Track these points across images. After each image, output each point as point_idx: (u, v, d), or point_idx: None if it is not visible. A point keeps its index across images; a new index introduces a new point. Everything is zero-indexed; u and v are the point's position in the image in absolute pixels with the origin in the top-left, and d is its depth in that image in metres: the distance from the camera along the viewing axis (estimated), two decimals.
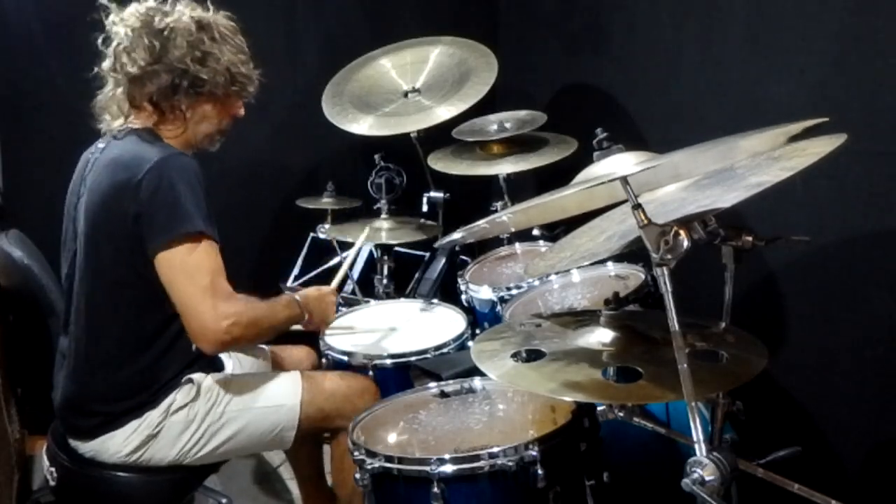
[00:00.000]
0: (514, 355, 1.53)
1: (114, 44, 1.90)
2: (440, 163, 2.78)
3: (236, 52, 1.95)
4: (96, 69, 1.94)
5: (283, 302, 1.97)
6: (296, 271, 2.96)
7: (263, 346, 2.29)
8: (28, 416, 2.50)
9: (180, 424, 1.88)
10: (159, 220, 1.74)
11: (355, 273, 2.96)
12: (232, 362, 2.12)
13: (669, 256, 1.26)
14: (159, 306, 1.79)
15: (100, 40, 1.92)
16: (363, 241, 2.54)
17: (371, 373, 2.15)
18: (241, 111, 2.01)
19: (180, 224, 1.73)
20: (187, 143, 1.95)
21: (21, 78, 2.81)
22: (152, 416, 1.85)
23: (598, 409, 1.61)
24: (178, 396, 1.88)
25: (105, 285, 1.83)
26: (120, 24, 1.89)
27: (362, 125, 2.77)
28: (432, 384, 1.91)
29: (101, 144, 1.94)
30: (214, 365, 2.02)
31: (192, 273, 1.74)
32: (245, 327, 1.77)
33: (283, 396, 1.98)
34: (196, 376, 1.92)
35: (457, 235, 1.65)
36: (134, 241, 1.76)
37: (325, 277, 2.90)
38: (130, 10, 1.90)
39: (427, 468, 1.56)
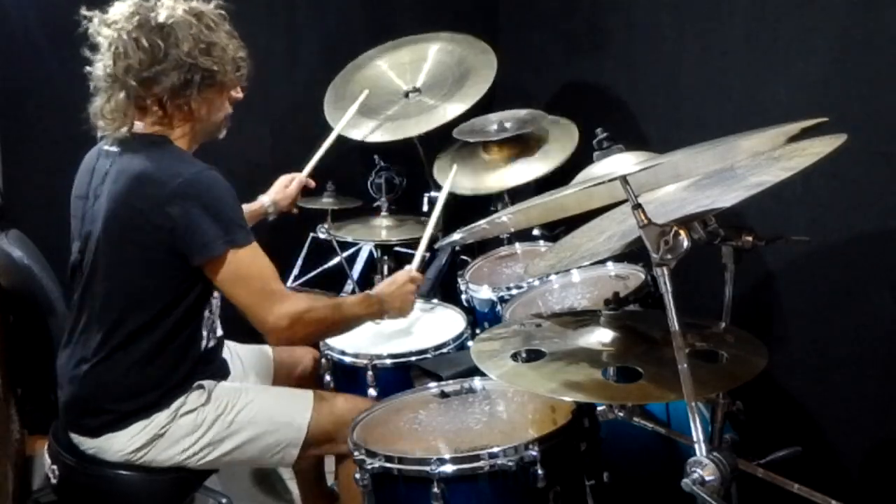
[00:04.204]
0: (514, 355, 1.53)
1: (108, 49, 1.79)
2: (443, 173, 2.76)
3: (231, 37, 1.89)
4: (89, 75, 1.85)
5: (357, 300, 2.02)
6: (295, 271, 2.95)
7: (266, 347, 2.29)
8: (28, 416, 2.50)
9: (187, 427, 1.87)
10: (206, 234, 1.74)
11: (355, 273, 2.96)
12: (233, 364, 2.12)
13: (669, 256, 1.26)
14: (174, 311, 1.80)
15: (86, 48, 1.83)
16: (451, 179, 2.54)
17: (371, 373, 2.15)
18: (241, 94, 1.96)
19: (229, 236, 1.75)
20: (196, 138, 1.91)
21: (21, 78, 2.80)
22: (160, 418, 1.85)
23: (598, 409, 1.62)
24: (189, 400, 1.88)
25: (125, 292, 1.82)
26: (111, 27, 1.78)
27: (363, 130, 2.77)
28: (432, 384, 1.91)
29: (113, 148, 1.87)
30: (221, 371, 2.02)
31: (245, 281, 1.79)
32: (307, 325, 1.84)
33: (292, 414, 1.96)
34: (207, 383, 1.92)
35: (457, 236, 1.65)
36: (168, 253, 1.76)
37: (326, 277, 2.92)
38: (118, 11, 1.79)
39: (427, 468, 1.56)
